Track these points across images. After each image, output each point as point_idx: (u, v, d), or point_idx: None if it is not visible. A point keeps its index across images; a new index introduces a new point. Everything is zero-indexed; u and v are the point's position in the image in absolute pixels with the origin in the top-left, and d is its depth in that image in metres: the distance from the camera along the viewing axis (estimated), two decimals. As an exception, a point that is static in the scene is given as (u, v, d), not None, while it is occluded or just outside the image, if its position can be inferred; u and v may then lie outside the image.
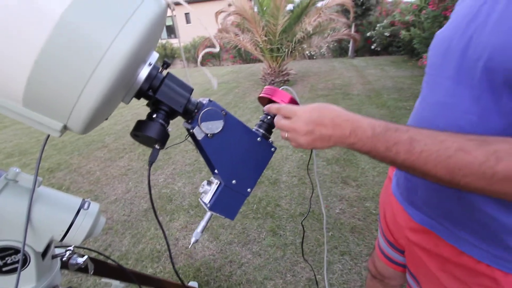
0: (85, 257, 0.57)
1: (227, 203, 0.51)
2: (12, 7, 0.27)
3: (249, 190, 0.52)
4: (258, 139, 0.51)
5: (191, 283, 1.33)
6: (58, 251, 0.55)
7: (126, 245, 1.69)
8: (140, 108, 4.88)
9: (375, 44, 9.26)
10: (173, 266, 0.51)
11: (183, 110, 0.44)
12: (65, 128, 0.36)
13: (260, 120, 0.54)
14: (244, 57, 10.77)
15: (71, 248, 0.54)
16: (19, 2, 0.27)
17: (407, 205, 0.62)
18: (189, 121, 0.48)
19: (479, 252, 0.47)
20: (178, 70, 10.17)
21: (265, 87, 0.54)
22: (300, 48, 5.53)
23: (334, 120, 0.41)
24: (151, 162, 0.43)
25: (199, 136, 0.46)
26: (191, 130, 0.46)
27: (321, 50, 8.09)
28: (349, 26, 7.56)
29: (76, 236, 0.47)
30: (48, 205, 0.46)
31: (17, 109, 0.33)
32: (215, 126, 0.46)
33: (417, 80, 5.17)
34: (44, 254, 0.49)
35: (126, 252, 1.63)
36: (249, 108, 4.38)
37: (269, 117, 0.54)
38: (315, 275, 1.17)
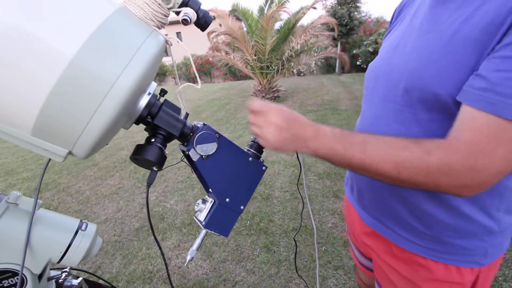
0: (80, 279, 0.57)
1: (221, 221, 0.53)
2: (27, 49, 0.30)
3: (242, 207, 0.55)
4: (250, 159, 0.54)
5: (184, 304, 1.30)
6: (53, 273, 0.55)
7: (116, 266, 1.65)
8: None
9: (360, 61, 9.68)
10: (171, 284, 0.52)
11: (179, 134, 0.48)
12: (69, 153, 0.38)
13: (251, 141, 0.58)
14: (235, 74, 11.00)
15: (67, 269, 0.55)
16: (34, 45, 0.31)
17: (358, 208, 0.69)
18: (185, 143, 0.51)
19: (415, 247, 0.55)
20: (169, 87, 10.24)
21: None
22: (289, 66, 5.72)
23: (301, 121, 0.46)
24: (149, 183, 0.45)
25: (194, 157, 0.49)
26: (186, 152, 0.49)
27: (311, 67, 8.38)
28: (336, 46, 7.89)
29: (74, 257, 0.48)
30: (47, 227, 0.47)
31: (25, 138, 0.35)
32: (209, 148, 0.50)
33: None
34: (40, 276, 0.50)
35: (117, 274, 1.59)
36: (240, 124, 4.44)
37: None
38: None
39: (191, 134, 0.50)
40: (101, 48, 0.33)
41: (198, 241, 0.53)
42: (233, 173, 0.53)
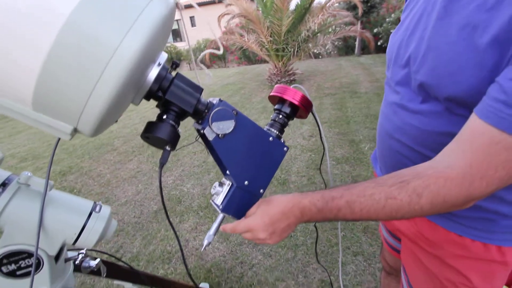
0: (98, 260, 0.57)
1: (239, 205, 0.50)
2: (18, 9, 0.27)
3: (262, 191, 0.51)
4: (270, 138, 0.50)
5: (202, 285, 1.32)
6: (70, 254, 0.55)
7: (137, 246, 1.70)
8: (148, 112, 4.93)
9: (381, 41, 9.13)
10: (186, 268, 0.50)
11: (193, 110, 0.44)
12: (75, 131, 0.35)
13: (272, 120, 0.53)
14: (249, 58, 10.79)
15: (84, 251, 0.54)
16: (26, 4, 0.27)
17: None
18: (200, 121, 0.47)
19: (451, 224, 0.52)
20: (184, 73, 10.24)
21: (276, 85, 0.53)
22: (305, 47, 5.49)
23: (283, 212, 0.45)
24: (162, 163, 0.42)
25: (210, 136, 0.45)
26: (201, 131, 0.46)
27: (327, 47, 8.03)
28: (355, 24, 7.47)
29: (89, 239, 0.47)
30: (60, 209, 0.46)
31: (27, 113, 0.33)
32: (226, 126, 0.45)
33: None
34: (57, 257, 0.49)
35: (137, 254, 1.64)
36: (256, 109, 4.37)
37: (280, 116, 0.53)
38: (329, 277, 1.15)
39: (206, 111, 0.45)
40: (101, 6, 0.28)
41: (215, 225, 0.51)
42: (252, 154, 0.48)
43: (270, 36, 5.22)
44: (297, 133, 3.18)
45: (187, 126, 3.79)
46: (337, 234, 1.62)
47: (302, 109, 0.51)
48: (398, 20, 8.32)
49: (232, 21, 6.06)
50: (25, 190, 0.43)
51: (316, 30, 5.27)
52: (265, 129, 0.52)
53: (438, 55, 0.43)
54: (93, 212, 0.48)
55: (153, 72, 0.39)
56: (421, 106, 0.49)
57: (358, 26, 8.26)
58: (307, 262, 1.46)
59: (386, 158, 0.61)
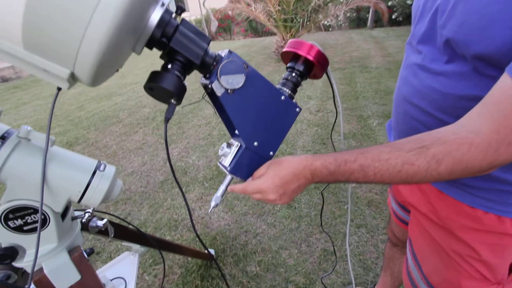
0: (105, 220, 0.57)
1: (248, 167, 0.48)
2: None
3: (271, 153, 0.49)
4: (282, 97, 0.46)
5: (208, 251, 1.37)
6: (78, 214, 0.55)
7: (144, 214, 1.74)
8: (152, 84, 4.85)
9: (396, 14, 8.60)
10: (195, 230, 0.50)
11: (200, 62, 0.40)
12: (73, 77, 0.32)
13: (284, 78, 0.49)
14: (256, 30, 10.35)
15: (90, 210, 0.54)
16: None
17: None
18: (207, 75, 0.43)
19: (463, 195, 0.50)
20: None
21: (290, 40, 0.49)
22: (315, 18, 5.21)
23: (294, 173, 0.43)
24: (167, 118, 0.39)
25: (219, 91, 0.42)
26: (209, 86, 0.42)
27: (339, 18, 7.62)
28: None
29: (94, 198, 0.46)
30: (63, 165, 0.44)
31: (19, 54, 0.30)
32: (236, 81, 0.42)
33: (442, 50, 4.82)
34: (64, 215, 0.49)
35: (145, 221, 1.68)
36: (262, 82, 4.26)
37: (293, 74, 0.49)
38: (333, 245, 1.17)
39: (214, 63, 0.42)
40: None
41: (222, 187, 0.49)
42: (263, 113, 0.46)
43: (279, 5, 4.94)
44: (304, 107, 3.11)
45: (195, 84, 3.74)
46: (340, 207, 1.63)
47: (318, 66, 0.47)
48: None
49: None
50: (26, 145, 0.42)
51: (328, 0, 4.96)
52: (277, 87, 0.48)
53: (469, 7, 0.38)
54: (97, 171, 0.46)
55: (156, 15, 0.34)
56: (445, 67, 0.45)
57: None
58: (310, 232, 1.48)
59: (400, 125, 0.57)
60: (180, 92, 0.38)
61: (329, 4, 5.26)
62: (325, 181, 0.43)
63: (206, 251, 1.21)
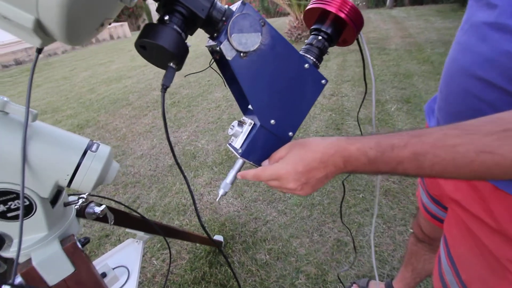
0: (103, 206, 0.52)
1: (262, 149, 0.40)
2: None
3: (290, 134, 0.41)
4: (306, 65, 0.38)
5: (216, 237, 1.33)
6: (72, 199, 0.50)
7: (153, 198, 1.72)
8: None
9: (419, -9, 8.05)
10: (199, 219, 0.44)
11: (206, 16, 0.32)
12: (41, 28, 0.25)
13: (307, 44, 0.40)
14: (268, 10, 9.97)
15: (85, 195, 0.48)
16: None
17: None
18: (214, 35, 0.35)
19: None
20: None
21: None
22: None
23: (321, 159, 0.35)
24: (165, 86, 0.32)
25: (229, 54, 0.33)
26: (217, 47, 0.34)
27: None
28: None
29: (85, 182, 0.40)
30: (47, 144, 0.38)
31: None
32: (250, 41, 0.33)
33: (469, 31, 4.48)
34: (54, 201, 0.43)
35: (154, 205, 1.66)
36: (273, 65, 4.11)
37: (320, 37, 0.40)
38: (353, 239, 1.10)
39: (224, 19, 0.33)
40: None
41: (232, 173, 0.42)
42: (282, 84, 0.37)
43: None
44: (317, 91, 2.98)
45: (201, 82, 3.64)
46: (355, 196, 1.55)
47: (351, 26, 0.38)
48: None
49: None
50: (3, 118, 0.35)
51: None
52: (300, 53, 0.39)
53: None
54: (89, 151, 0.40)
55: None
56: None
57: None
58: (323, 221, 1.42)
59: (453, 107, 0.47)
60: (180, 52, 0.30)
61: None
62: (361, 171, 0.35)
63: (212, 239, 1.17)
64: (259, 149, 0.40)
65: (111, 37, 8.64)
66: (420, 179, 0.72)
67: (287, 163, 0.37)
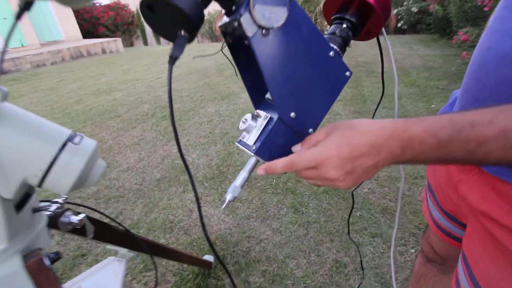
0: (82, 215, 0.44)
1: (280, 147, 0.34)
2: None
3: (311, 130, 0.36)
4: (331, 53, 0.33)
5: (207, 257, 1.22)
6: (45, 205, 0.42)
7: (137, 213, 1.60)
8: (153, 81, 4.76)
9: (401, 22, 8.57)
10: (205, 233, 0.36)
11: None
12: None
13: (330, 33, 0.37)
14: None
15: (61, 200, 0.40)
16: None
17: None
18: (232, 9, 0.30)
19: None
20: (192, 45, 9.91)
21: None
22: (322, 21, 5.14)
23: (373, 144, 0.29)
24: (174, 56, 0.26)
25: (250, 30, 0.28)
26: (236, 22, 0.29)
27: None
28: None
29: (62, 181, 0.33)
30: (16, 130, 0.31)
31: None
32: (275, 16, 0.28)
33: (449, 59, 4.75)
34: (20, 205, 0.35)
35: (138, 221, 1.54)
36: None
37: (344, 25, 0.36)
38: (361, 258, 1.03)
39: None
40: None
41: (244, 174, 0.36)
42: (305, 71, 0.32)
43: (286, 7, 4.88)
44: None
45: (194, 97, 3.61)
46: (352, 214, 1.49)
47: (379, 12, 0.34)
48: (421, -1, 7.69)
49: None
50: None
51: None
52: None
53: None
54: (69, 143, 0.33)
55: None
56: None
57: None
58: (320, 240, 1.34)
59: (488, 101, 0.42)
60: (195, 16, 0.25)
61: (337, 8, 5.20)
62: (423, 158, 0.28)
63: (201, 259, 1.07)
64: (275, 147, 0.34)
65: (104, 52, 8.61)
66: (430, 193, 0.67)
67: (328, 147, 0.30)
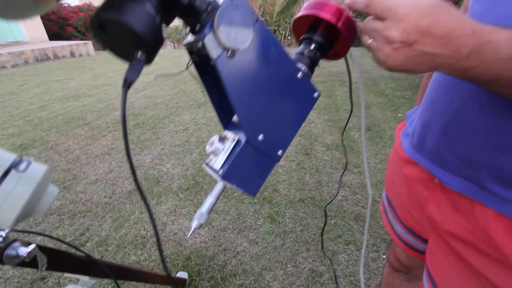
0: (31, 246, 0.39)
1: (248, 170, 0.34)
2: None
3: (280, 152, 0.35)
4: (299, 75, 0.33)
5: (180, 274, 1.17)
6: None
7: (106, 229, 1.50)
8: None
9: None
10: (161, 254, 0.34)
11: (189, 2, 0.26)
12: None
13: (298, 53, 0.37)
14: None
15: (3, 233, 0.36)
16: None
17: (433, 167, 0.48)
18: (197, 28, 0.29)
19: None
20: (168, 51, 9.72)
21: (307, 2, 0.36)
22: (298, 31, 5.31)
23: (451, 32, 0.26)
24: (128, 80, 0.24)
25: (214, 51, 0.27)
26: (200, 42, 0.28)
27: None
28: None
29: (4, 213, 0.29)
30: None
31: None
32: (241, 37, 0.28)
33: (415, 70, 5.10)
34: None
35: (106, 238, 1.44)
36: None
37: (312, 46, 0.36)
38: (334, 271, 1.04)
39: (209, 10, 0.28)
40: None
41: (210, 200, 0.34)
42: (272, 93, 0.32)
43: (262, 16, 4.97)
44: (286, 117, 3.04)
45: (169, 104, 3.52)
46: (327, 222, 1.52)
47: (345, 35, 0.35)
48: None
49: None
50: None
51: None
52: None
53: None
54: (12, 170, 0.30)
55: None
56: None
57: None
58: (296, 250, 1.34)
59: (458, 111, 0.41)
60: (152, 36, 0.24)
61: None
62: (478, 71, 0.27)
63: (174, 277, 1.02)
64: (244, 170, 0.33)
65: (72, 55, 8.16)
66: (390, 207, 0.68)
67: (414, 8, 0.27)
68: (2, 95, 4.45)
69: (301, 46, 0.37)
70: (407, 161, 0.56)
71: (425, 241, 0.59)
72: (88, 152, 2.39)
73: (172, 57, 7.35)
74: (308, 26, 0.37)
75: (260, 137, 0.33)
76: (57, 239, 0.47)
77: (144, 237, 1.44)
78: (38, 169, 0.32)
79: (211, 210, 0.35)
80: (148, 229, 1.50)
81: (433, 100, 0.47)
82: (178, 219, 1.57)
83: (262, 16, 5.00)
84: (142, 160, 2.23)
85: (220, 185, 0.35)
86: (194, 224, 0.34)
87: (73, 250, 1.06)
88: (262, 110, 0.32)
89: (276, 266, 1.26)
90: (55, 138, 2.69)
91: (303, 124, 2.87)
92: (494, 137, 0.37)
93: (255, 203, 1.68)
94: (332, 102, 3.59)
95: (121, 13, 0.22)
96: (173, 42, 11.40)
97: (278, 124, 0.34)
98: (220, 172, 0.33)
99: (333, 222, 1.52)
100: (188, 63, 0.34)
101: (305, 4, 0.37)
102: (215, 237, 1.43)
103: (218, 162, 0.33)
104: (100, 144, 2.54)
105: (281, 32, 5.17)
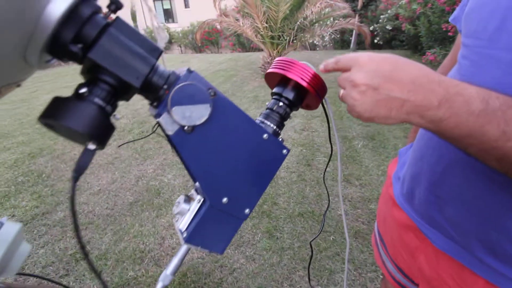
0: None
1: (213, 232, 0.34)
2: None
3: (247, 211, 0.35)
4: (265, 136, 0.34)
5: (176, 292, 1.18)
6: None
7: (106, 242, 1.53)
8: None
9: (378, 38, 8.99)
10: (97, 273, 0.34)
11: (143, 84, 0.26)
12: None
13: (268, 109, 0.37)
14: (243, 45, 10.44)
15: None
16: None
17: (423, 224, 0.47)
18: (156, 103, 0.30)
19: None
20: (175, 56, 9.85)
21: (277, 58, 0.37)
22: (301, 37, 5.28)
23: (416, 79, 0.27)
24: (77, 171, 0.25)
25: (170, 129, 0.28)
26: (156, 119, 0.29)
27: (325, 39, 7.84)
28: (353, 17, 7.29)
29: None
30: None
31: None
32: (197, 114, 0.29)
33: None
34: None
35: (106, 252, 1.47)
36: (247, 98, 4.18)
37: (281, 103, 0.36)
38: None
39: (166, 87, 0.29)
40: None
41: (175, 261, 0.35)
42: (236, 158, 0.32)
43: (266, 22, 4.98)
44: (288, 125, 3.03)
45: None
46: (325, 238, 1.50)
47: (313, 94, 0.35)
48: (394, 18, 8.07)
49: (227, 3, 5.75)
50: None
51: (314, 20, 5.06)
52: (257, 121, 0.35)
53: None
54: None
55: (59, 3, 0.21)
56: None
57: (356, 19, 8.08)
58: (293, 268, 1.33)
59: (445, 171, 0.40)
60: (99, 132, 0.25)
61: (316, 24, 5.37)
62: (450, 124, 0.26)
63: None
64: (209, 231, 0.34)
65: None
66: (381, 243, 0.67)
67: (373, 57, 0.29)
68: (14, 102, 4.59)
69: (271, 101, 0.38)
70: (398, 205, 0.55)
71: (416, 284, 0.57)
72: (93, 162, 2.44)
73: (179, 62, 7.44)
74: (280, 80, 0.37)
75: (224, 200, 0.33)
76: (33, 275, 0.48)
77: (143, 252, 1.46)
78: (10, 229, 0.33)
79: (176, 272, 0.35)
80: (147, 243, 1.51)
81: (421, 157, 0.46)
82: (177, 233, 1.58)
83: (267, 22, 5.00)
84: (145, 170, 2.26)
85: (184, 248, 0.35)
86: (159, 285, 0.34)
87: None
88: (226, 175, 0.32)
89: (272, 285, 1.26)
90: (62, 147, 2.75)
91: (306, 133, 2.85)
92: (483, 210, 0.36)
93: (253, 217, 1.68)
94: (336, 109, 3.56)
95: (62, 116, 0.23)
96: (180, 47, 11.55)
97: (243, 186, 0.34)
98: (185, 234, 0.33)
99: (331, 238, 1.50)
100: (155, 126, 0.35)
101: (275, 61, 0.37)
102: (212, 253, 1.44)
103: (183, 223, 0.34)
104: (104, 153, 2.59)
105: (285, 38, 5.17)
